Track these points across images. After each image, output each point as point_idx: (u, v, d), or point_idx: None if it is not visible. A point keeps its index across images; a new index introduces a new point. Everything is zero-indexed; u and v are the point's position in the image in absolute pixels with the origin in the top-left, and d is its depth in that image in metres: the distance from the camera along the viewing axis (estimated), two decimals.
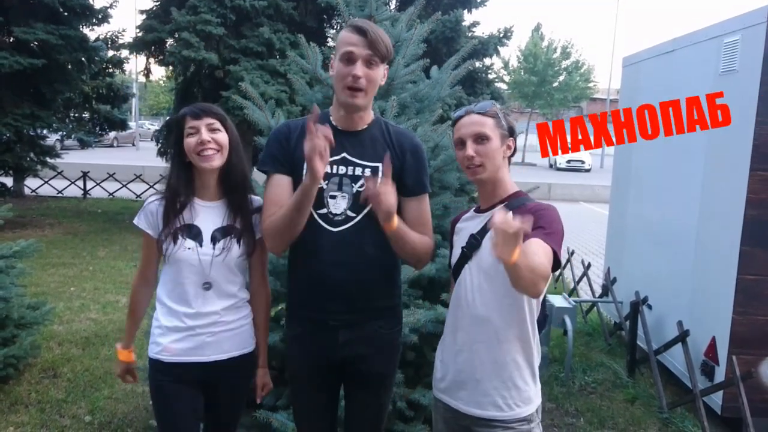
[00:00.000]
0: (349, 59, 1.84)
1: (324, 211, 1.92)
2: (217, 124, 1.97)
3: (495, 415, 1.81)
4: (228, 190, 2.04)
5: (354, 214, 1.92)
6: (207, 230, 2.00)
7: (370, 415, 2.12)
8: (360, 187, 1.91)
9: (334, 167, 1.92)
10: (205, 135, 1.93)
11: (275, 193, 1.94)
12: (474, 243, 1.84)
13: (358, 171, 1.93)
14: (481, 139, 1.81)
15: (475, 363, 1.83)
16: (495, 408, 1.81)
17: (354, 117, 1.94)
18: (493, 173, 1.84)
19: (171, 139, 2.06)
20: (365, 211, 1.91)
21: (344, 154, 1.93)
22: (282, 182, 1.95)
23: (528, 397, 1.84)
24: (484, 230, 1.83)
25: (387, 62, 1.92)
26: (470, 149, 1.81)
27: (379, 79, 1.90)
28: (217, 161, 1.97)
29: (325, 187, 1.91)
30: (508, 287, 1.75)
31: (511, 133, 1.89)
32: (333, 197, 1.92)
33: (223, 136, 1.98)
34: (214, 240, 2.00)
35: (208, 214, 2.02)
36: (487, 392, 1.81)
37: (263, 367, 2.21)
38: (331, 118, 1.98)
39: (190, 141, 1.94)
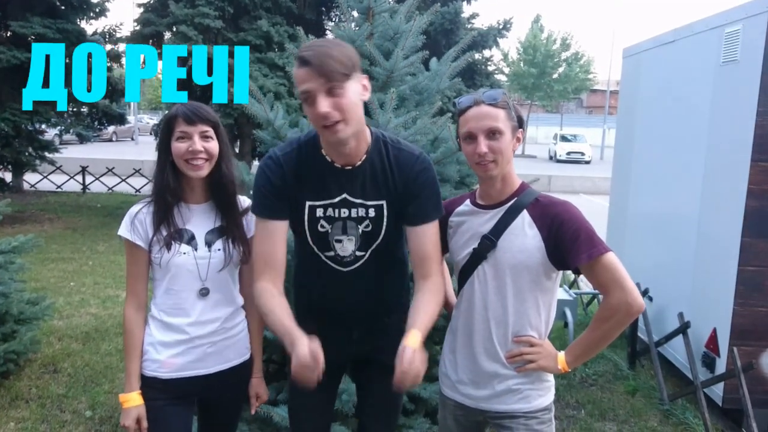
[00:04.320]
0: (307, 99, 1.59)
1: (331, 254, 1.83)
2: (210, 132, 1.86)
3: (521, 408, 1.81)
4: (215, 191, 1.95)
5: (363, 253, 1.82)
6: (200, 234, 1.91)
7: (388, 406, 2.07)
8: (366, 227, 1.78)
9: (336, 211, 1.78)
10: (198, 144, 1.83)
11: (265, 251, 1.78)
12: (489, 244, 1.78)
13: (362, 212, 1.78)
14: (493, 134, 1.69)
15: (496, 363, 1.81)
16: (522, 401, 1.81)
17: (345, 151, 1.72)
18: (505, 169, 1.75)
19: (160, 137, 1.91)
20: (373, 247, 1.82)
21: (345, 195, 1.77)
22: (271, 232, 1.78)
23: (548, 386, 1.86)
24: (497, 230, 1.77)
25: (354, 73, 1.62)
26: (483, 145, 1.69)
27: (352, 99, 1.60)
28: (206, 170, 1.87)
29: (330, 231, 1.79)
30: (528, 287, 1.76)
31: (520, 123, 1.78)
32: (339, 241, 1.80)
33: (214, 145, 1.87)
34: (208, 243, 1.91)
35: (198, 217, 1.93)
36: (510, 388, 1.81)
37: (257, 376, 2.11)
38: (323, 151, 1.76)
39: (179, 146, 1.83)
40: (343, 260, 1.83)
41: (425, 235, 1.79)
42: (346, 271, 1.84)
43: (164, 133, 1.87)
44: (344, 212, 1.78)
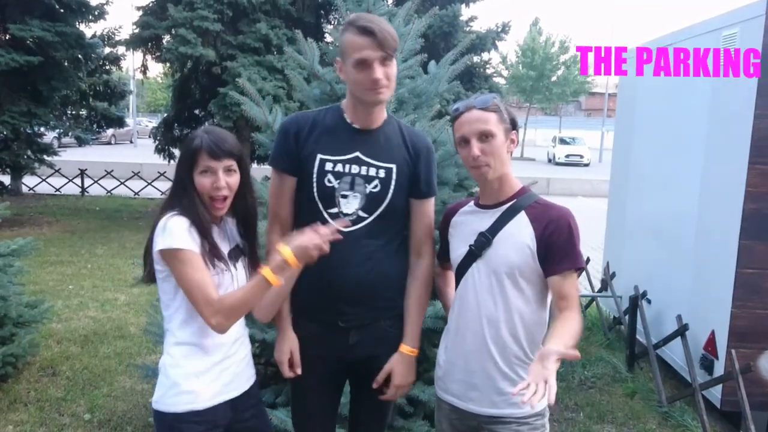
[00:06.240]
0: (362, 65, 1.76)
1: (335, 210, 1.87)
2: (234, 165, 1.81)
3: (512, 413, 1.79)
4: (235, 212, 1.93)
5: (366, 215, 1.88)
6: (225, 251, 1.87)
7: (378, 414, 2.11)
8: (374, 188, 1.87)
9: (347, 166, 1.87)
10: (222, 180, 1.78)
11: (275, 203, 1.97)
12: (484, 242, 1.80)
13: (372, 171, 1.88)
14: (485, 136, 1.75)
15: (488, 363, 1.81)
16: (511, 406, 1.79)
17: (372, 113, 1.89)
18: (500, 170, 1.79)
19: (181, 167, 1.83)
20: (378, 211, 1.87)
21: (357, 153, 1.89)
22: (282, 186, 1.95)
23: None
24: (494, 228, 1.80)
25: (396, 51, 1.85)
26: (476, 148, 1.74)
27: (395, 71, 1.84)
28: (226, 209, 1.84)
29: (336, 186, 1.87)
30: (521, 286, 1.77)
31: (514, 125, 1.82)
32: (345, 197, 1.87)
33: (236, 179, 1.83)
34: (233, 261, 1.88)
35: (222, 237, 1.89)
36: (502, 391, 1.80)
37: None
38: (345, 115, 1.92)
39: (204, 182, 1.78)
40: (346, 218, 1.88)
41: (428, 208, 2.01)
42: (346, 232, 1.84)
43: (186, 165, 1.80)
44: (354, 168, 1.89)
